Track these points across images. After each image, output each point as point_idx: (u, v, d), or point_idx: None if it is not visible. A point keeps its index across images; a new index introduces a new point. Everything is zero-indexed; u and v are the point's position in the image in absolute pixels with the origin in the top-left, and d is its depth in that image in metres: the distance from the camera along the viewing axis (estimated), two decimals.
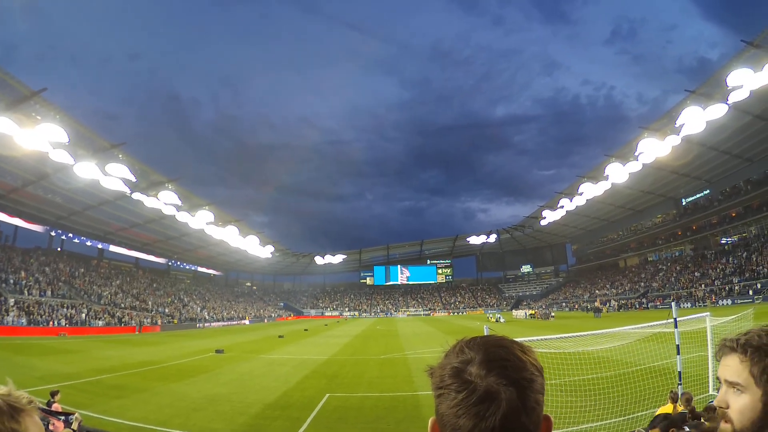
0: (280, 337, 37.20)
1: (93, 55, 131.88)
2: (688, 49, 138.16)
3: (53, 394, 8.35)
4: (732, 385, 1.10)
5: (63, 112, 32.78)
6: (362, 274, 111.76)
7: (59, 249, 60.33)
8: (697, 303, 46.92)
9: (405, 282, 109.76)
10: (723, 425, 1.11)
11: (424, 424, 10.13)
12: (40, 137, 32.27)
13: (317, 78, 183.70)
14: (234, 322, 67.66)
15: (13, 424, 0.98)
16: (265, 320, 77.98)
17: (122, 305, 52.68)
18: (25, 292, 42.64)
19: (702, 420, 4.59)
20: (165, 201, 47.54)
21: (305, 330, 46.39)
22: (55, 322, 39.45)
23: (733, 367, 1.11)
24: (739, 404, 1.08)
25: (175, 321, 56.09)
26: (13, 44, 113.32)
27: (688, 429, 4.46)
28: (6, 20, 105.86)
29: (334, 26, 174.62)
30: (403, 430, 9.92)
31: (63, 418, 4.48)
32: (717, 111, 36.50)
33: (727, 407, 1.11)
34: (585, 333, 11.12)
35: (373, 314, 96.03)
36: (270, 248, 79.50)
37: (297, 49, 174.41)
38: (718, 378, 1.17)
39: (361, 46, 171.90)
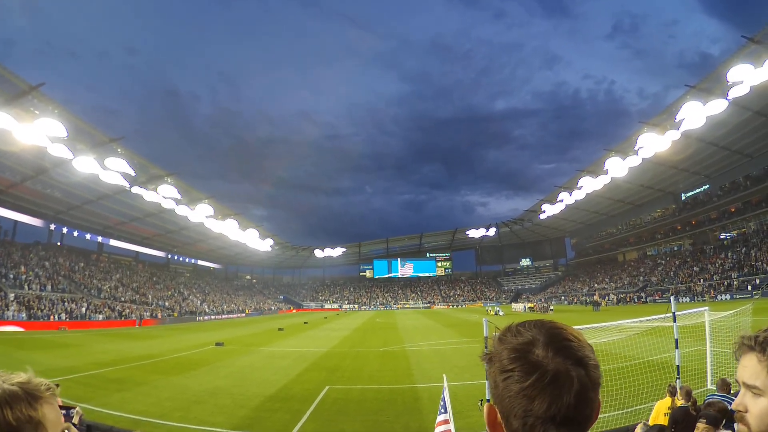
0: (280, 330, 37.32)
1: (91, 50, 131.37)
2: (690, 45, 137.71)
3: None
4: (750, 387, 1.04)
5: (61, 107, 32.66)
6: (362, 267, 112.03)
7: (59, 243, 60.29)
8: (695, 298, 47.04)
9: (404, 275, 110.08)
10: (740, 427, 1.06)
11: (423, 416, 10.22)
12: (38, 132, 32.16)
13: (316, 72, 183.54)
14: (234, 315, 67.84)
15: (30, 411, 0.98)
16: (262, 313, 77.89)
17: (122, 299, 52.78)
18: (25, 286, 42.69)
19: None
20: (164, 195, 47.49)
21: (305, 323, 46.52)
22: (56, 317, 39.52)
23: (751, 368, 1.04)
24: (758, 408, 1.01)
25: (175, 314, 56.22)
26: (11, 39, 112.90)
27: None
28: (4, 15, 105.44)
29: (333, 20, 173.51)
30: (403, 423, 9.97)
31: (64, 412, 4.49)
32: (717, 106, 36.45)
33: (746, 411, 1.04)
34: (584, 326, 11.14)
35: (372, 307, 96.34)
36: (269, 241, 79.57)
37: (296, 43, 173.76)
38: (737, 380, 1.09)
39: (360, 40, 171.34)
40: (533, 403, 0.78)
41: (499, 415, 0.85)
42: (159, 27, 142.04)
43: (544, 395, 0.77)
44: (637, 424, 6.13)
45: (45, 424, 1.01)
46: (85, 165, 37.89)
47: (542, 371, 0.79)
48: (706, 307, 11.11)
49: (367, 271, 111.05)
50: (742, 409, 1.05)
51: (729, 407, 4.17)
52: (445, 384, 6.43)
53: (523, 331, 0.86)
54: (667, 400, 6.66)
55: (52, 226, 55.62)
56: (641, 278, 64.06)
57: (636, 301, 55.99)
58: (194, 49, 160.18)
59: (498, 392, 0.84)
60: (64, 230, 57.51)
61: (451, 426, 6.10)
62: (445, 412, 6.14)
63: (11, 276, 43.11)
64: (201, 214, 55.18)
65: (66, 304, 42.93)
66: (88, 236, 60.92)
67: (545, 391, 0.78)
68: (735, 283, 46.00)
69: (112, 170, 39.90)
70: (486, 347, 7.19)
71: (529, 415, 0.79)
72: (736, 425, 1.08)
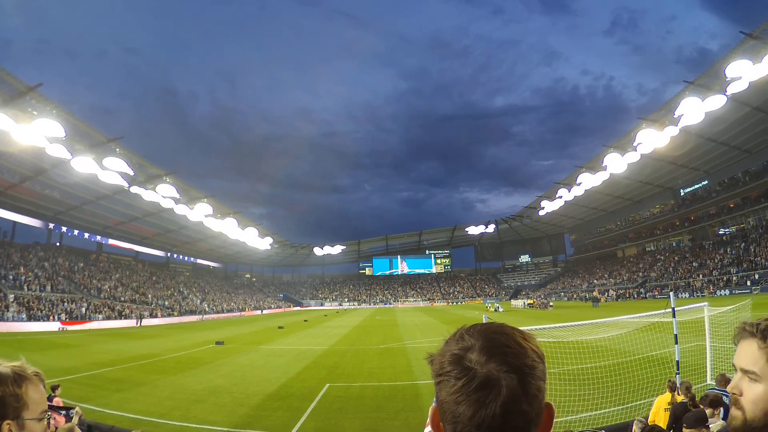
0: (279, 328, 37.33)
1: (88, 49, 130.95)
2: (688, 40, 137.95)
3: (54, 388, 8.37)
4: (747, 373, 1.05)
5: (59, 107, 32.48)
6: (361, 265, 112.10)
7: (58, 244, 60.21)
8: (695, 293, 47.16)
9: (404, 272, 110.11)
10: (734, 412, 1.07)
11: (423, 413, 10.21)
12: (36, 133, 31.98)
13: (314, 70, 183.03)
14: (234, 314, 67.86)
15: (15, 388, 1.16)
16: (261, 311, 77.71)
17: (122, 299, 52.76)
18: (25, 287, 42.66)
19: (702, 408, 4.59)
20: (163, 194, 47.38)
21: (305, 321, 46.55)
22: (55, 317, 39.50)
23: (750, 353, 1.05)
24: (754, 393, 1.03)
25: (175, 313, 56.22)
26: (8, 39, 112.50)
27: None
28: (0, 15, 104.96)
29: (331, 17, 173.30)
30: (403, 420, 9.99)
31: (64, 412, 4.50)
32: (716, 102, 36.44)
33: (740, 394, 1.06)
34: (583, 322, 11.15)
35: (372, 305, 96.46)
36: (269, 240, 79.51)
37: (294, 41, 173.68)
38: (734, 364, 1.11)
39: (358, 38, 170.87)
40: (460, 408, 0.76)
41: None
42: (157, 26, 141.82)
43: (470, 401, 0.74)
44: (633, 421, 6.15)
45: (27, 401, 1.18)
46: (84, 165, 37.77)
47: (470, 376, 0.76)
48: (706, 303, 11.11)
49: (367, 269, 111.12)
50: (737, 392, 1.07)
51: (723, 398, 4.20)
52: None
53: (467, 336, 0.84)
54: (666, 396, 6.67)
55: (51, 226, 55.50)
56: (640, 274, 64.16)
57: (635, 297, 56.10)
58: (193, 48, 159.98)
59: (436, 395, 0.83)
60: (63, 230, 57.41)
61: None
62: None
63: (11, 277, 43.06)
64: (200, 213, 55.10)
65: (66, 304, 42.92)
66: (85, 235, 60.71)
67: (471, 397, 0.75)
68: (734, 278, 46.10)
69: (111, 170, 39.78)
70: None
71: (457, 420, 0.76)
72: (730, 411, 1.09)
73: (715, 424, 4.06)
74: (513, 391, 0.74)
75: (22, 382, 1.19)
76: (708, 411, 4.21)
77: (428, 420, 0.89)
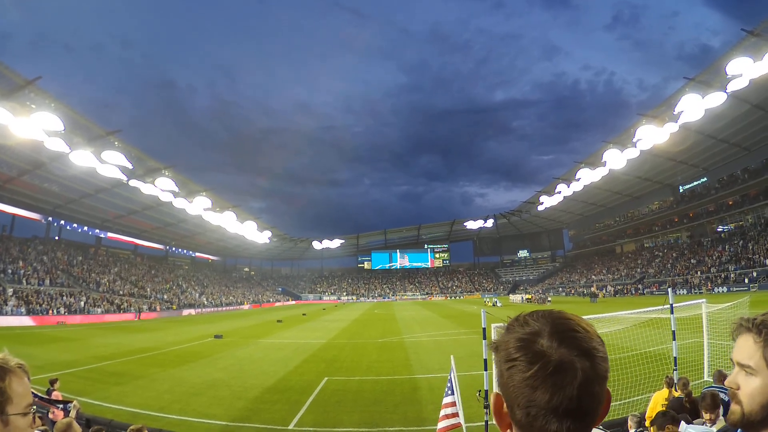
0: (278, 321, 37.41)
1: (86, 43, 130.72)
2: (690, 36, 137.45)
3: (52, 382, 8.38)
4: (743, 367, 1.07)
5: (58, 101, 32.36)
6: (360, 259, 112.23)
7: (57, 238, 60.18)
8: (693, 290, 47.28)
9: (402, 266, 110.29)
10: (732, 406, 1.08)
11: (421, 406, 10.28)
12: (35, 126, 31.91)
13: (314, 64, 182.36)
14: (233, 308, 67.97)
15: None
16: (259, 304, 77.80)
17: (121, 292, 52.78)
18: (24, 281, 42.65)
19: (699, 406, 4.61)
20: (162, 187, 47.33)
21: (303, 315, 46.63)
22: (54, 311, 39.52)
23: (746, 348, 1.07)
24: (750, 387, 1.05)
25: (174, 307, 56.29)
26: (6, 33, 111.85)
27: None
28: None
29: (331, 10, 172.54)
30: (401, 413, 10.03)
31: (61, 406, 4.50)
32: (716, 99, 36.40)
33: (738, 389, 1.07)
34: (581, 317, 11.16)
35: (370, 298, 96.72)
36: (267, 233, 79.54)
37: (294, 34, 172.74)
38: (732, 359, 1.13)
39: (358, 31, 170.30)
40: (535, 393, 0.77)
41: (505, 404, 0.85)
42: (154, 19, 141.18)
43: (546, 386, 0.76)
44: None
45: (11, 395, 1.13)
46: (82, 158, 37.69)
47: (545, 361, 0.77)
48: (704, 300, 11.14)
49: (366, 263, 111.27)
50: (734, 386, 1.09)
51: (720, 395, 4.21)
52: (453, 366, 6.46)
53: (531, 321, 0.85)
54: (664, 392, 6.71)
55: (50, 219, 55.40)
56: (638, 270, 64.29)
57: (633, 292, 56.26)
58: (191, 42, 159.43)
59: (503, 381, 0.83)
60: (62, 223, 57.35)
61: (459, 407, 6.14)
62: (452, 393, 6.19)
63: (10, 271, 43.03)
64: (199, 206, 55.04)
65: (65, 298, 42.93)
66: (83, 229, 60.63)
67: (547, 381, 0.76)
68: (732, 275, 46.23)
69: (110, 163, 39.71)
70: (484, 338, 7.22)
71: (531, 405, 0.77)
72: (730, 406, 1.11)
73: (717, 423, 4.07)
74: (587, 373, 0.77)
75: (5, 375, 1.13)
76: (706, 416, 4.23)
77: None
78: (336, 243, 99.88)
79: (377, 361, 17.07)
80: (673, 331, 9.05)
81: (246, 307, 72.34)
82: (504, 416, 0.85)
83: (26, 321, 36.12)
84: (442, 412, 6.14)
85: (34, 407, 1.24)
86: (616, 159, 48.84)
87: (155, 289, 60.62)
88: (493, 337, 0.93)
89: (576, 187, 60.31)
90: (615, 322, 14.15)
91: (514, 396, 0.80)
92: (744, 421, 1.05)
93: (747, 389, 1.05)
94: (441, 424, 6.08)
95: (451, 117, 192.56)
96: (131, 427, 5.14)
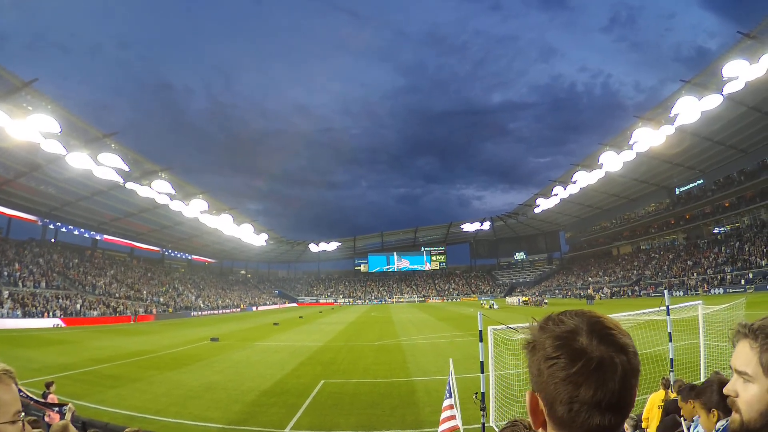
0: (275, 324, 37.32)
1: (83, 45, 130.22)
2: (687, 38, 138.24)
3: (48, 385, 8.33)
4: (741, 374, 1.06)
5: (54, 103, 32.25)
6: (356, 262, 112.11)
7: (53, 240, 59.92)
8: (689, 291, 47.42)
9: (399, 269, 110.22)
10: (732, 415, 1.07)
11: (419, 409, 10.27)
12: (31, 128, 31.77)
13: (311, 65, 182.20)
14: (229, 311, 67.74)
15: None
16: (254, 308, 77.00)
17: (117, 295, 52.54)
18: (20, 284, 42.40)
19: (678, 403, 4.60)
20: (158, 190, 47.17)
21: (300, 317, 46.54)
22: (50, 314, 39.28)
23: (743, 354, 1.06)
24: (748, 395, 1.04)
25: (170, 310, 56.07)
26: (2, 34, 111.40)
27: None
28: None
29: (328, 12, 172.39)
30: (398, 416, 10.01)
31: (57, 409, 4.47)
32: (712, 101, 36.55)
33: (737, 396, 1.07)
34: None
35: (367, 301, 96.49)
36: (264, 236, 79.38)
37: (290, 36, 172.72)
38: (731, 366, 1.11)
39: (355, 33, 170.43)
40: (579, 390, 0.80)
41: (540, 402, 0.87)
42: (151, 21, 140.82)
43: (590, 381, 0.80)
44: None
45: None
46: (79, 161, 37.55)
47: (588, 358, 0.81)
48: (700, 301, 11.16)
49: (362, 266, 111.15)
50: (732, 393, 1.07)
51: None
52: (452, 368, 6.46)
53: (565, 320, 0.88)
54: (660, 393, 6.72)
55: (46, 220, 55.14)
56: (635, 272, 64.47)
57: (630, 294, 56.38)
58: (187, 43, 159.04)
59: (542, 379, 0.85)
60: (58, 224, 57.08)
61: (457, 410, 6.15)
62: (451, 396, 6.20)
63: (5, 273, 42.79)
64: (195, 209, 54.89)
65: (61, 300, 42.70)
66: (78, 231, 60.30)
67: (591, 377, 0.80)
68: (728, 277, 46.39)
69: (106, 166, 39.55)
70: (481, 340, 7.21)
71: (574, 401, 0.80)
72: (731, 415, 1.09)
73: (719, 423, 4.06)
74: (624, 368, 0.81)
75: None
76: (706, 418, 4.20)
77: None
78: (333, 245, 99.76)
79: (374, 363, 17.05)
80: (670, 333, 9.08)
81: (238, 310, 72.08)
82: (539, 414, 0.88)
83: (22, 323, 35.87)
84: (443, 415, 6.15)
85: (23, 413, 1.17)
86: (612, 161, 48.97)
87: (151, 291, 60.36)
88: (526, 337, 0.96)
89: (572, 189, 60.46)
90: None
91: (555, 393, 0.83)
92: (743, 430, 1.04)
93: (745, 396, 1.04)
94: (441, 427, 6.09)
95: (449, 119, 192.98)
96: (127, 430, 5.11)
